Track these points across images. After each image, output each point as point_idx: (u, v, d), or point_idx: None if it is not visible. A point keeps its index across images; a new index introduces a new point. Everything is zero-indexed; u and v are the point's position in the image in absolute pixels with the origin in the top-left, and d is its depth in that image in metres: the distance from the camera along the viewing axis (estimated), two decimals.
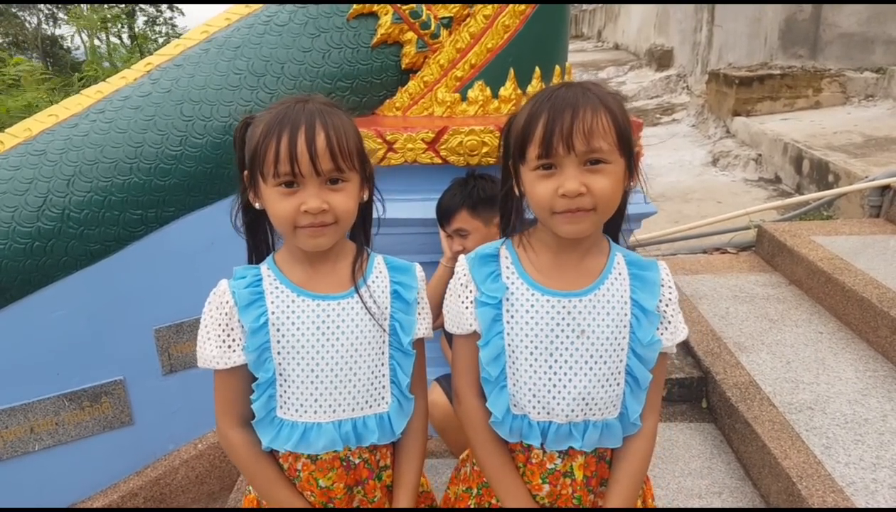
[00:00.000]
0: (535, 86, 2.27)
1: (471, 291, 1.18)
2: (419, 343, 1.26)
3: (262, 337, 1.13)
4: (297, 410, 1.16)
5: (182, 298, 2.34)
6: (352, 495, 1.22)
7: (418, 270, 1.25)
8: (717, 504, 1.94)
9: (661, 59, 9.79)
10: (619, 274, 1.15)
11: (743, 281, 3.09)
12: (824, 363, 2.34)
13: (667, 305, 1.16)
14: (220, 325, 1.14)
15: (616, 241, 1.23)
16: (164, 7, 18.32)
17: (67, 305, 2.17)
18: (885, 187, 3.51)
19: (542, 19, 2.27)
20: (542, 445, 1.17)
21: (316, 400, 1.16)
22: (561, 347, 1.13)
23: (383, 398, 1.20)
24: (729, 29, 7.67)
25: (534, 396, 1.15)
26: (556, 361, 1.14)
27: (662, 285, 1.16)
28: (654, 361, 1.15)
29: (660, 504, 1.93)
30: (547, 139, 1.04)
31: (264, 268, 1.18)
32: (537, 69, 2.26)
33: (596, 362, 1.13)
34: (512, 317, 1.15)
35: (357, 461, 1.20)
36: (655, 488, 1.96)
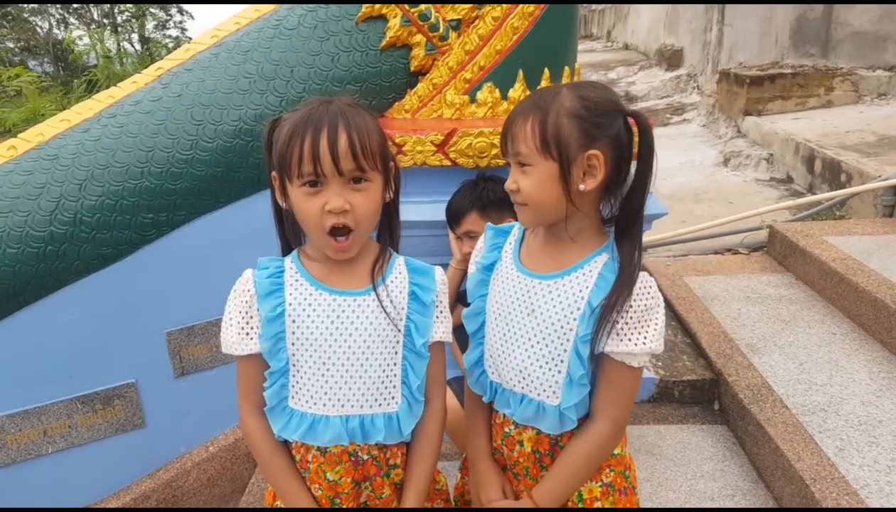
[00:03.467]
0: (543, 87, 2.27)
1: (479, 256, 1.32)
2: (439, 347, 1.26)
3: (277, 326, 1.16)
4: (306, 402, 1.19)
5: (193, 302, 2.35)
6: (359, 491, 1.23)
7: (439, 274, 1.26)
8: (729, 507, 1.92)
9: (671, 58, 9.74)
10: (589, 271, 1.17)
11: (755, 282, 3.07)
12: (838, 364, 2.32)
13: (619, 313, 1.12)
14: (240, 312, 1.18)
15: (627, 246, 1.18)
16: (173, 10, 18.41)
17: (80, 308, 2.19)
18: None
19: (551, 20, 2.27)
20: (490, 401, 1.29)
21: (325, 393, 1.18)
22: (513, 321, 1.22)
23: (393, 398, 1.21)
24: (739, 28, 7.62)
25: (490, 356, 1.27)
26: (507, 331, 1.23)
27: (627, 296, 1.12)
28: (585, 357, 1.15)
29: (673, 506, 1.92)
30: (502, 140, 1.20)
31: (288, 260, 1.22)
32: (546, 70, 2.26)
33: (538, 342, 1.19)
34: (495, 284, 1.27)
35: (366, 457, 1.21)
36: (668, 491, 1.96)
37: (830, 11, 6.43)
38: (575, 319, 1.16)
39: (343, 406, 1.18)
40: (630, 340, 1.14)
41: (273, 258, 1.23)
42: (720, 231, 4.01)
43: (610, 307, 1.12)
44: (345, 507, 1.22)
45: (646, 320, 1.14)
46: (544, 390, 1.20)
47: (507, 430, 1.28)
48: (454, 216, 1.97)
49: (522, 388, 1.22)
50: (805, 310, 2.76)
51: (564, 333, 1.17)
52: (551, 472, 1.23)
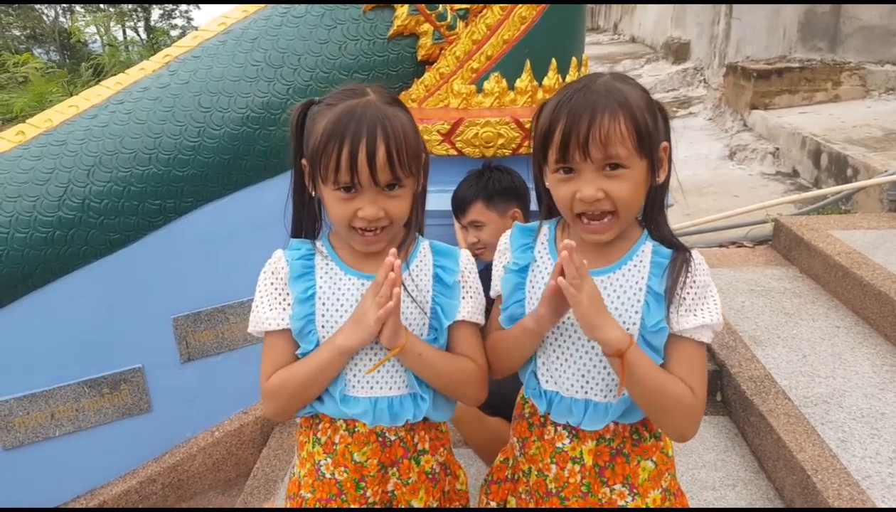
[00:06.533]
0: (551, 78, 2.27)
1: (506, 258, 1.25)
2: (469, 326, 1.24)
3: (307, 308, 1.17)
4: (334, 385, 1.19)
5: (200, 288, 2.36)
6: (386, 476, 1.23)
7: (464, 255, 1.26)
8: (730, 497, 1.94)
9: (678, 52, 9.71)
10: (641, 261, 1.15)
11: (759, 275, 3.07)
12: (841, 357, 2.33)
13: (684, 289, 1.12)
14: (276, 288, 1.19)
15: (657, 232, 1.18)
16: None
17: (87, 293, 2.21)
18: None
19: (559, 11, 2.27)
20: (546, 412, 1.21)
21: (354, 375, 1.19)
22: (567, 323, 1.17)
23: (419, 380, 1.21)
24: (747, 22, 7.59)
25: (542, 364, 1.21)
26: (561, 334, 1.18)
27: (688, 272, 1.13)
28: (661, 347, 1.13)
29: None
30: (564, 146, 1.06)
31: (318, 244, 1.22)
32: (554, 61, 2.26)
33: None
34: (533, 287, 1.20)
35: (393, 438, 1.22)
36: None
37: (839, 5, 6.40)
38: (637, 312, 1.13)
39: (372, 388, 1.19)
40: (696, 315, 1.11)
41: (303, 241, 1.23)
42: (725, 224, 4.01)
43: (675, 284, 1.11)
44: (370, 491, 1.22)
45: (709, 294, 1.13)
46: (610, 391, 1.15)
47: (559, 445, 1.20)
48: (460, 206, 1.98)
49: (585, 393, 1.16)
50: (809, 303, 2.76)
51: (627, 328, 1.12)
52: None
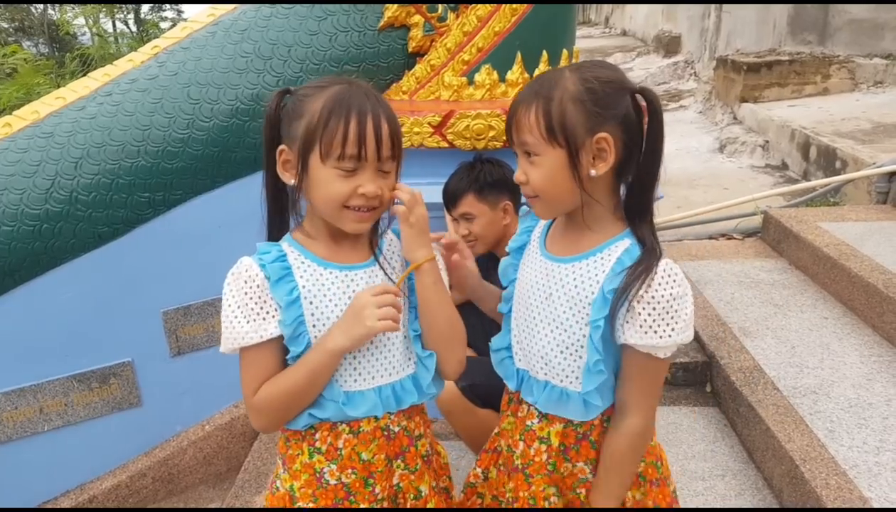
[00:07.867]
0: (542, 70, 2.26)
1: (512, 239, 1.33)
2: None
3: (295, 310, 1.13)
4: (336, 381, 1.17)
5: (189, 281, 2.36)
6: (391, 469, 1.23)
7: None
8: (720, 487, 1.95)
9: (669, 45, 9.73)
10: (609, 255, 1.13)
11: (748, 267, 3.09)
12: (829, 348, 2.35)
13: (640, 304, 1.07)
14: (251, 299, 1.13)
15: (637, 231, 1.13)
16: None
17: (76, 287, 2.19)
18: (893, 174, 3.49)
19: (550, 3, 2.26)
20: (517, 390, 1.26)
21: (355, 369, 1.18)
22: (534, 304, 1.21)
23: (410, 360, 1.23)
24: (737, 15, 7.61)
25: (517, 342, 1.26)
26: (530, 315, 1.22)
27: (647, 284, 1.06)
28: (596, 342, 1.11)
29: None
30: (507, 130, 1.17)
31: (285, 245, 1.18)
32: (545, 53, 2.25)
33: (557, 327, 1.17)
34: (522, 269, 1.27)
35: (396, 429, 1.21)
36: None
37: None
38: (589, 303, 1.12)
39: (374, 378, 1.19)
40: (656, 332, 1.07)
41: (270, 243, 1.19)
42: (715, 216, 4.03)
43: (622, 291, 1.07)
44: (378, 487, 1.21)
45: (673, 310, 1.07)
46: (566, 376, 1.17)
47: (529, 423, 1.23)
48: (451, 198, 1.98)
49: (545, 374, 1.19)
50: (798, 294, 2.78)
51: (582, 318, 1.13)
52: (598, 474, 1.19)
